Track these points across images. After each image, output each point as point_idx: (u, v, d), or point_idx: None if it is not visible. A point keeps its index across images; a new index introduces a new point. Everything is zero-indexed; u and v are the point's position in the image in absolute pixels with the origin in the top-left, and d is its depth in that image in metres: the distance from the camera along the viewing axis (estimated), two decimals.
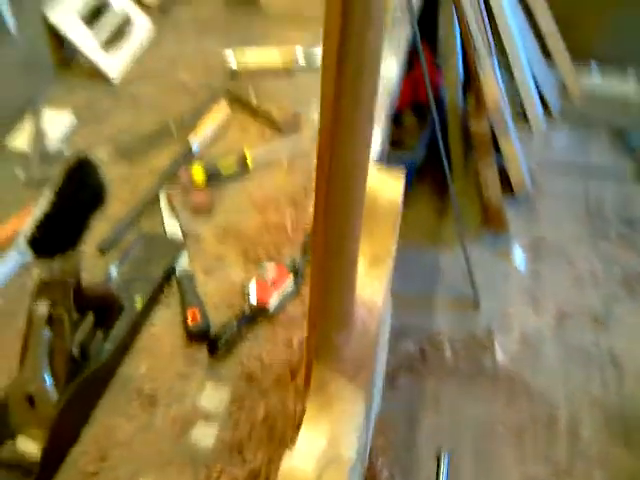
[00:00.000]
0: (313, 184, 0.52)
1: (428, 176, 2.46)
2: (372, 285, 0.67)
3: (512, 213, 2.36)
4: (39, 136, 1.11)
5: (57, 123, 1.16)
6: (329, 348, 0.61)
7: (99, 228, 0.94)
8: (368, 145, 0.49)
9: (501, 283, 2.18)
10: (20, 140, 1.12)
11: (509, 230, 2.32)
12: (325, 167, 0.47)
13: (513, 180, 2.41)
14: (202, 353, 0.83)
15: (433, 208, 2.43)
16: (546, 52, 2.83)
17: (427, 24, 2.17)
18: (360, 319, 0.64)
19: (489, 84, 2.29)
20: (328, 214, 0.51)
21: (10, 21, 1.10)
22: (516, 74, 2.64)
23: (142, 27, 1.42)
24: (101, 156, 1.10)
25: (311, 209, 0.97)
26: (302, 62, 1.32)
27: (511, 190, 2.42)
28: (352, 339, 0.62)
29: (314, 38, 1.41)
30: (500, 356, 1.94)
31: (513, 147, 2.35)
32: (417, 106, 2.50)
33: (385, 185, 0.73)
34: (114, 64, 1.31)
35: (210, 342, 0.82)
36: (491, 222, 2.33)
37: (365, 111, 0.45)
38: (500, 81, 2.34)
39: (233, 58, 1.30)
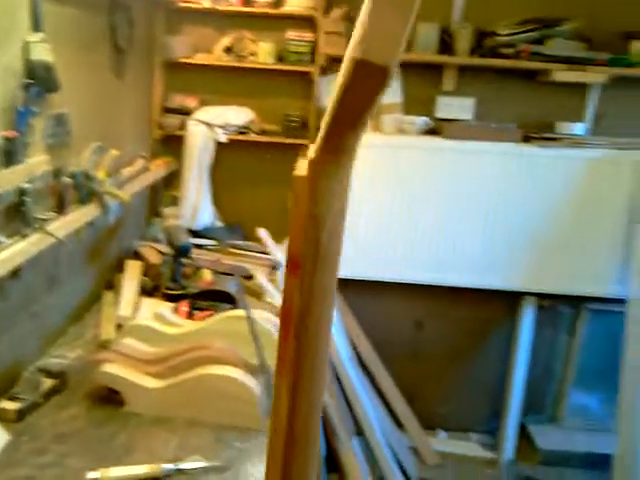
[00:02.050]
0: None
1: None
2: None
3: None
4: None
5: None
6: None
7: None
8: None
9: None
10: None
11: None
12: None
13: None
14: None
15: None
16: (399, 422, 3.05)
17: None
18: None
19: (350, 463, 2.36)
20: None
21: None
22: (374, 449, 2.77)
23: None
24: None
25: None
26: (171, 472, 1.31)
27: None
28: None
29: (181, 444, 1.43)
30: None
31: None
32: None
33: None
34: None
35: None
36: None
37: None
38: (361, 458, 2.43)
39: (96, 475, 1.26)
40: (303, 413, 0.51)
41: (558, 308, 3.13)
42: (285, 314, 0.50)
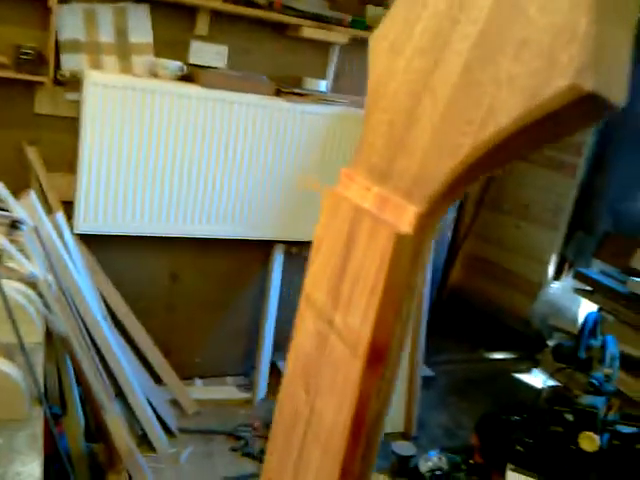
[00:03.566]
0: None
1: None
2: None
3: None
4: None
5: None
6: None
7: None
8: None
9: None
10: None
11: None
12: None
13: None
14: None
15: None
16: (157, 377, 3.01)
17: None
18: None
19: (115, 428, 2.26)
20: None
21: None
22: (134, 408, 2.69)
23: None
24: None
25: None
26: None
27: None
28: None
29: None
30: None
31: None
32: None
33: None
34: None
35: None
36: None
37: None
38: (123, 420, 2.34)
39: None
40: None
41: (304, 254, 3.37)
42: (358, 422, 0.38)
